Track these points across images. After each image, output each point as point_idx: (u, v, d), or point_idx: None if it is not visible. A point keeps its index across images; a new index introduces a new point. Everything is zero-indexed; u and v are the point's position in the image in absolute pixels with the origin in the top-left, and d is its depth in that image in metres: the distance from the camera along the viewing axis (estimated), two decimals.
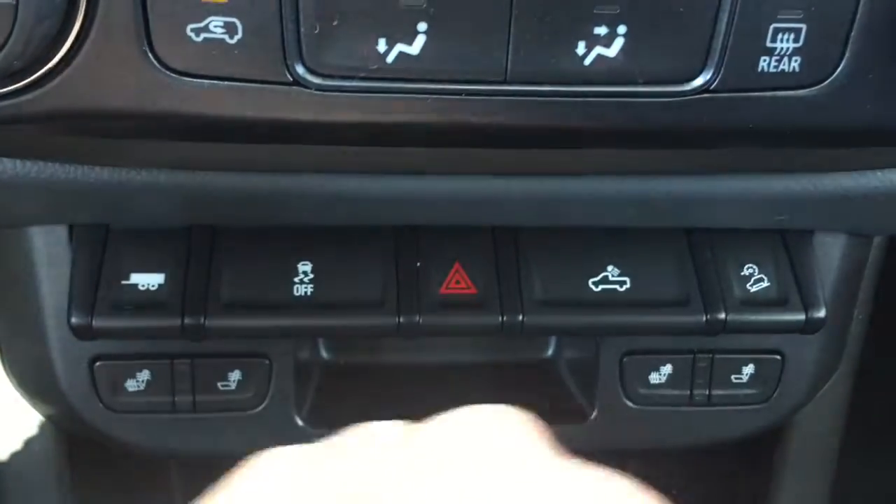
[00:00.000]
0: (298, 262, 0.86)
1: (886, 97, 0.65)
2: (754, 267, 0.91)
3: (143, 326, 0.83)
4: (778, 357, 0.99)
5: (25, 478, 1.04)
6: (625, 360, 0.98)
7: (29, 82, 0.60)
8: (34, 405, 0.98)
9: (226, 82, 0.61)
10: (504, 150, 0.72)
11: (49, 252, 0.87)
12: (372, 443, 0.48)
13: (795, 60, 0.63)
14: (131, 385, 0.92)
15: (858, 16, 0.61)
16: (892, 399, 1.15)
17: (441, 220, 0.87)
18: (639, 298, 0.88)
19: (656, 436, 1.01)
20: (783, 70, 0.63)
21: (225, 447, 0.97)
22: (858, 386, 1.12)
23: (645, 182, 0.81)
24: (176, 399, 0.93)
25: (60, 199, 0.79)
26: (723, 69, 0.63)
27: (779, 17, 0.61)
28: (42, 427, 1.01)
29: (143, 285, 0.84)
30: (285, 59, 0.60)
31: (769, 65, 0.63)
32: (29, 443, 1.02)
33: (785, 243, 0.92)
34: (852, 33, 0.62)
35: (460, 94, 0.63)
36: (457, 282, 0.87)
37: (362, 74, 0.61)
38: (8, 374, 0.97)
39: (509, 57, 0.61)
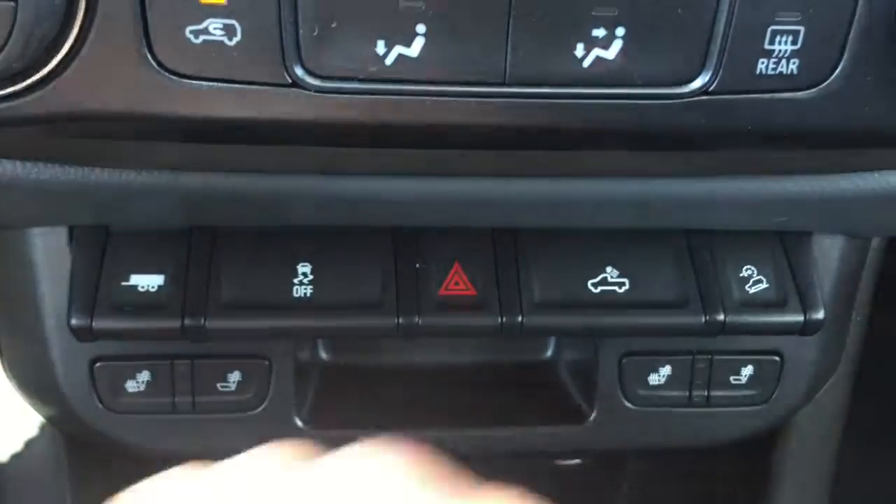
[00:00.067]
0: (298, 263, 0.87)
1: (884, 99, 0.65)
2: (753, 268, 0.91)
3: (143, 328, 0.83)
4: (777, 358, 0.99)
5: (25, 479, 1.04)
6: (624, 361, 0.98)
7: (28, 84, 0.60)
8: (34, 406, 0.98)
9: (225, 84, 0.61)
10: (503, 152, 0.72)
11: (49, 253, 0.87)
12: (259, 472, 0.49)
13: (793, 62, 0.63)
14: (131, 386, 0.92)
15: (856, 18, 0.62)
16: (891, 400, 1.15)
17: (440, 222, 0.87)
18: (638, 300, 0.88)
19: (655, 437, 1.01)
20: (781, 72, 0.63)
21: (225, 448, 0.97)
22: (857, 387, 1.12)
23: (644, 183, 0.81)
24: (176, 400, 0.93)
25: (60, 201, 0.79)
26: (721, 71, 0.63)
27: (777, 19, 0.61)
28: (42, 428, 1.01)
29: (143, 286, 0.85)
30: (284, 60, 0.60)
31: (767, 67, 0.63)
32: (29, 444, 1.02)
33: (783, 245, 0.92)
34: (850, 35, 0.62)
35: (459, 96, 0.63)
36: (456, 283, 0.88)
37: (361, 76, 0.61)
38: (8, 376, 0.97)
39: (508, 59, 0.61)
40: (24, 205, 0.80)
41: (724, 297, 0.89)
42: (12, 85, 0.60)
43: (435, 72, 0.62)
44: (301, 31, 0.60)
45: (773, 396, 1.00)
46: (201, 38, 0.59)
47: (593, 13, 0.60)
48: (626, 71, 0.62)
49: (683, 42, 0.62)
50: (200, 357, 0.92)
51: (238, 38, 0.59)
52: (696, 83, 0.63)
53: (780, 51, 0.62)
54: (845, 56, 0.63)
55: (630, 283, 0.89)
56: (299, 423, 0.97)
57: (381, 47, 0.60)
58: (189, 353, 0.92)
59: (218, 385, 0.93)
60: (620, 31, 0.61)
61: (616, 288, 0.89)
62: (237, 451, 1.00)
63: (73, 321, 0.83)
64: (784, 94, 0.64)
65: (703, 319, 0.88)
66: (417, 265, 0.87)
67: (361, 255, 0.88)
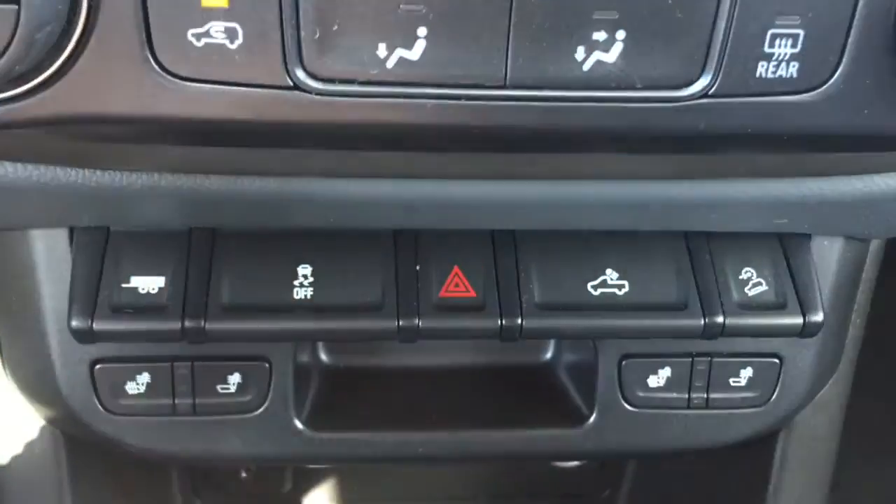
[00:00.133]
0: (298, 265, 0.87)
1: (883, 102, 0.65)
2: (752, 271, 0.91)
3: (143, 329, 0.84)
4: (776, 360, 0.99)
5: (26, 480, 1.04)
6: (623, 363, 0.98)
7: (31, 87, 0.60)
8: (35, 408, 0.98)
9: (226, 87, 0.61)
10: (503, 155, 0.72)
11: (49, 255, 0.87)
12: None
13: (793, 66, 0.63)
14: (131, 388, 0.92)
15: (855, 21, 0.62)
16: (890, 401, 1.16)
17: (440, 224, 0.87)
18: (637, 302, 0.88)
19: (655, 439, 1.01)
20: (781, 75, 0.63)
21: (224, 450, 0.98)
22: (856, 388, 1.13)
23: (643, 186, 0.81)
24: (176, 402, 0.93)
25: (61, 202, 0.79)
26: (721, 74, 0.63)
27: (776, 22, 0.61)
28: (42, 430, 1.02)
29: (143, 288, 0.85)
30: (286, 63, 0.61)
31: (767, 70, 0.63)
32: (29, 445, 1.02)
33: (783, 247, 0.92)
34: (849, 39, 0.63)
35: (460, 99, 0.63)
36: (456, 285, 0.88)
37: (362, 79, 0.62)
38: (9, 377, 0.97)
39: (508, 62, 0.62)
40: (25, 206, 0.80)
41: (724, 299, 0.89)
42: (15, 87, 0.60)
43: (436, 75, 0.62)
44: (302, 34, 0.60)
45: (773, 398, 1.00)
46: (203, 40, 0.59)
47: (594, 17, 0.60)
48: (627, 74, 0.63)
49: (684, 45, 0.62)
50: (200, 359, 0.92)
51: (239, 40, 0.59)
52: (697, 86, 0.64)
53: (779, 54, 0.63)
54: (844, 59, 0.63)
55: (630, 286, 0.89)
56: (299, 425, 0.98)
57: (382, 50, 0.61)
58: (189, 355, 0.92)
59: (218, 387, 0.94)
60: (621, 35, 0.61)
61: (616, 290, 0.89)
62: (237, 453, 1.00)
63: (74, 323, 0.83)
64: (784, 97, 0.64)
65: (703, 322, 0.88)
66: (417, 267, 0.88)
67: (362, 257, 0.88)
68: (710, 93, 0.64)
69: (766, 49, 0.62)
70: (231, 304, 0.85)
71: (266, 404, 0.96)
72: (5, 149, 0.72)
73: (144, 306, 0.84)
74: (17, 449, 1.02)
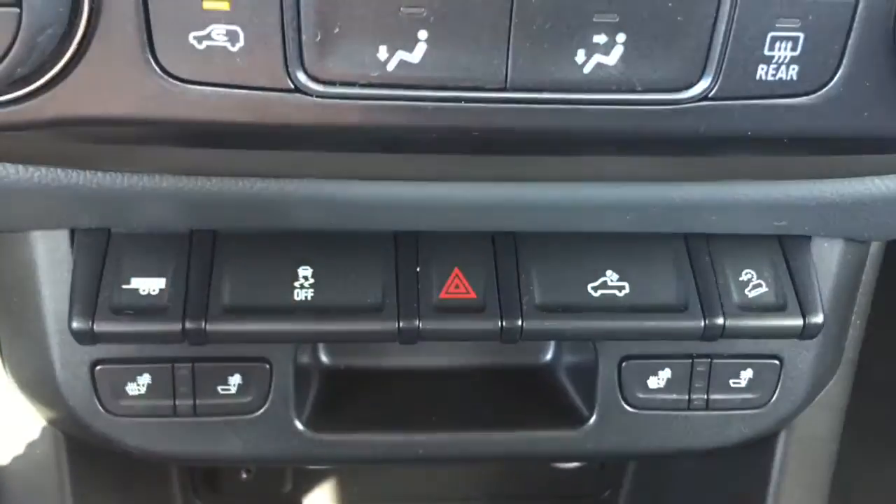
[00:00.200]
0: (299, 266, 0.87)
1: (883, 105, 0.65)
2: (752, 272, 0.91)
3: (143, 331, 0.84)
4: (776, 362, 0.99)
5: (26, 481, 1.04)
6: (623, 364, 0.99)
7: (33, 89, 0.60)
8: (35, 408, 0.99)
9: (227, 89, 0.62)
10: (503, 157, 0.73)
11: (50, 256, 0.87)
12: None
13: (793, 68, 0.63)
14: (132, 389, 0.92)
15: (855, 24, 0.62)
16: (890, 403, 1.16)
17: (441, 226, 0.87)
18: (637, 303, 0.88)
19: (655, 440, 1.01)
20: (781, 78, 0.63)
21: (225, 451, 0.98)
22: (856, 390, 1.13)
23: (644, 188, 0.81)
24: (176, 403, 0.93)
25: (62, 204, 0.79)
26: (721, 77, 0.63)
27: (777, 25, 0.61)
28: (43, 430, 1.02)
29: (143, 289, 0.85)
30: (287, 66, 0.61)
31: (767, 73, 0.63)
32: (30, 446, 1.02)
33: (783, 249, 0.92)
34: (849, 42, 0.63)
35: (460, 102, 0.63)
36: (456, 287, 0.88)
37: (363, 82, 0.62)
38: (9, 378, 0.98)
39: (509, 65, 0.62)
40: (26, 208, 0.80)
41: (724, 301, 0.89)
42: (17, 90, 0.60)
43: (436, 77, 0.62)
44: (303, 37, 0.60)
45: (773, 400, 1.00)
46: (204, 43, 0.60)
47: (594, 19, 0.60)
48: (627, 77, 0.63)
49: (684, 48, 0.62)
50: (201, 360, 0.92)
51: (241, 43, 0.60)
52: (697, 89, 0.64)
53: (779, 57, 0.63)
54: (844, 62, 0.63)
55: (630, 287, 0.89)
56: (300, 426, 0.98)
57: (383, 53, 0.61)
58: (190, 356, 0.92)
59: (218, 388, 0.94)
60: (621, 38, 0.61)
61: (616, 292, 0.89)
62: (237, 454, 1.00)
63: (75, 324, 0.83)
64: (784, 99, 0.64)
65: (703, 323, 0.88)
66: (418, 269, 0.88)
67: (362, 259, 0.88)
68: (710, 95, 0.64)
69: (766, 52, 0.62)
70: (232, 306, 0.85)
71: (266, 405, 0.96)
72: (7, 150, 0.72)
73: (145, 307, 0.84)
74: (18, 449, 1.02)
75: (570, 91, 0.63)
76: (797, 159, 0.76)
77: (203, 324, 0.83)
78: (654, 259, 0.91)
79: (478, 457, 1.05)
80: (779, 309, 0.90)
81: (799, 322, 0.90)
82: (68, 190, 0.76)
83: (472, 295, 0.87)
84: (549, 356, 1.11)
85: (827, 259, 0.95)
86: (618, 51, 0.61)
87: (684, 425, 1.01)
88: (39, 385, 0.95)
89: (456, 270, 0.88)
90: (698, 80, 0.64)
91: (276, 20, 0.59)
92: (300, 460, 1.25)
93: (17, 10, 0.55)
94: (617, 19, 0.60)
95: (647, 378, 0.98)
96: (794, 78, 0.63)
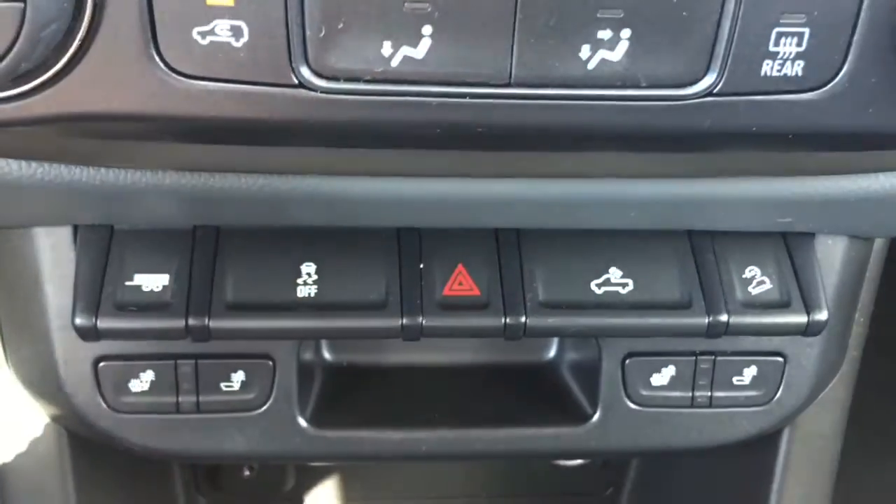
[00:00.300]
0: (302, 263, 0.87)
1: (888, 101, 0.65)
2: (756, 269, 0.91)
3: (147, 327, 0.84)
4: (780, 359, 0.99)
5: (29, 477, 1.04)
6: (627, 361, 0.98)
7: (36, 85, 0.60)
8: (38, 405, 0.99)
9: (231, 85, 0.61)
10: (507, 153, 0.72)
11: (53, 253, 0.87)
12: None
13: (798, 64, 0.63)
14: (135, 386, 0.92)
15: (861, 20, 0.62)
16: (893, 400, 1.15)
17: (444, 223, 0.87)
18: (641, 300, 0.88)
19: (658, 437, 1.01)
20: (786, 74, 0.63)
21: (228, 448, 0.98)
22: (860, 387, 1.13)
23: (648, 185, 0.81)
24: (179, 400, 0.93)
25: (65, 200, 0.79)
26: (726, 73, 0.63)
27: (782, 21, 0.61)
28: (46, 427, 1.02)
29: (147, 286, 0.85)
30: (291, 61, 0.61)
31: (772, 68, 0.63)
32: (33, 443, 1.02)
33: (787, 246, 0.92)
34: (854, 37, 0.62)
35: (464, 97, 0.63)
36: (460, 283, 0.88)
37: (367, 77, 0.62)
38: (13, 374, 0.98)
39: (513, 60, 0.61)
40: (29, 204, 0.80)
41: (728, 298, 0.89)
42: (20, 85, 0.60)
43: (440, 73, 0.62)
44: (307, 33, 0.60)
45: (777, 397, 1.00)
46: (208, 38, 0.59)
47: (598, 15, 0.60)
48: (632, 73, 0.62)
49: (689, 44, 0.62)
50: (204, 357, 0.92)
51: (245, 39, 0.59)
52: (702, 85, 0.64)
53: (784, 52, 0.62)
54: (850, 58, 0.63)
55: (634, 284, 0.89)
56: (303, 422, 0.98)
57: (387, 48, 0.61)
58: (193, 353, 0.92)
59: (222, 385, 0.94)
60: (626, 33, 0.61)
61: (619, 289, 0.89)
62: (240, 451, 1.00)
63: (78, 320, 0.83)
64: (789, 95, 0.64)
65: (707, 320, 0.88)
66: (421, 265, 0.88)
67: (365, 255, 0.88)
68: (714, 91, 0.64)
69: (772, 48, 0.62)
70: (235, 302, 0.85)
71: (269, 402, 0.96)
72: (10, 146, 0.72)
73: (148, 304, 0.84)
74: (22, 446, 1.02)
75: (574, 87, 0.63)
76: (801, 155, 0.76)
77: (206, 320, 0.83)
78: (657, 256, 0.91)
79: (481, 454, 1.05)
80: (783, 306, 0.90)
81: (803, 319, 0.90)
82: (71, 186, 0.76)
83: (476, 292, 0.87)
84: (552, 353, 1.11)
85: (831, 256, 0.95)
86: (622, 46, 0.61)
87: (688, 423, 1.01)
88: (42, 381, 0.95)
89: (459, 267, 0.88)
90: (703, 76, 0.63)
91: (280, 15, 0.59)
92: (303, 457, 1.25)
93: (21, 5, 0.55)
94: (621, 15, 0.60)
95: (651, 375, 0.98)
96: (800, 74, 0.63)
